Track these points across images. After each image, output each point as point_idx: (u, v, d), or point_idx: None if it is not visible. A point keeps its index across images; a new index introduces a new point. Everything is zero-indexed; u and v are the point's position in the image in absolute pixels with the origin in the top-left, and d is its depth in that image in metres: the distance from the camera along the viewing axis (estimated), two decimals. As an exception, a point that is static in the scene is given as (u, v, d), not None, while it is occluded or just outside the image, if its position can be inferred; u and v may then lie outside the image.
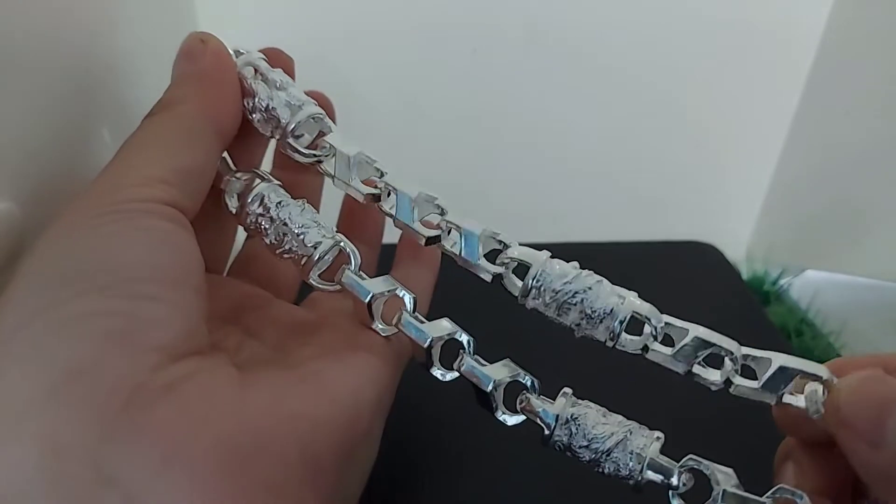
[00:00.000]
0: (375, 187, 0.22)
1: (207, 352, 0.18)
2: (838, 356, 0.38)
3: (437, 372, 0.21)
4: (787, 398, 0.19)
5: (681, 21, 0.43)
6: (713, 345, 0.20)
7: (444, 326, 0.21)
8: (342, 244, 0.21)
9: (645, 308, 0.20)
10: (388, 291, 0.21)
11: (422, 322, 0.21)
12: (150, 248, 0.17)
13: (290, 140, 0.22)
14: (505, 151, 0.47)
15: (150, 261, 0.17)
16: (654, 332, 0.20)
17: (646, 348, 0.20)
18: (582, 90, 0.45)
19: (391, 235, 0.26)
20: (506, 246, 0.21)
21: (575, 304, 0.20)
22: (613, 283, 0.20)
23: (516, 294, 0.20)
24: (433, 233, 0.21)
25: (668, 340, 0.20)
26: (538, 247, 0.41)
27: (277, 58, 0.24)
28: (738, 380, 0.20)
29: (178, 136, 0.20)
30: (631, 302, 0.20)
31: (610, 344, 0.20)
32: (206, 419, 0.16)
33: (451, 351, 0.21)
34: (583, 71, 0.45)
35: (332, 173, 0.22)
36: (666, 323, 0.20)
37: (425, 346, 0.21)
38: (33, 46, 0.20)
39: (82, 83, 0.23)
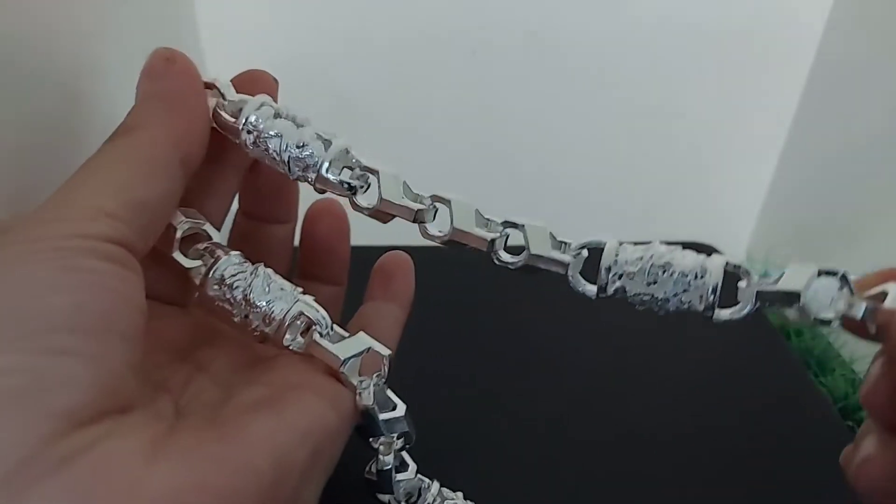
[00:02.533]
0: (421, 203, 0.21)
1: (130, 407, 0.17)
2: (838, 356, 0.38)
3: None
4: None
5: (680, 22, 0.43)
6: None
7: (401, 425, 0.22)
8: (305, 310, 0.21)
9: (735, 261, 0.19)
10: (360, 353, 0.21)
11: (386, 412, 0.22)
12: (74, 292, 0.16)
13: (329, 176, 0.21)
14: (505, 153, 0.47)
15: (69, 307, 0.16)
16: (752, 281, 0.18)
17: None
18: (581, 92, 0.45)
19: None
20: (567, 243, 0.20)
21: (664, 268, 0.18)
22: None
23: (589, 292, 0.19)
24: (492, 235, 0.21)
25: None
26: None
27: (261, 80, 0.23)
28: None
29: (135, 166, 0.19)
30: (719, 259, 0.18)
31: (709, 313, 0.18)
32: (92, 500, 0.14)
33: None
34: (582, 73, 0.45)
35: (377, 196, 0.21)
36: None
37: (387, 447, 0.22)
38: (21, 51, 0.20)
39: (71, 88, 0.23)
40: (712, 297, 0.18)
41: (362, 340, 0.21)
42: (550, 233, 0.20)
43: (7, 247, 0.16)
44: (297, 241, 0.27)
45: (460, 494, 0.24)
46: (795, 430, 0.31)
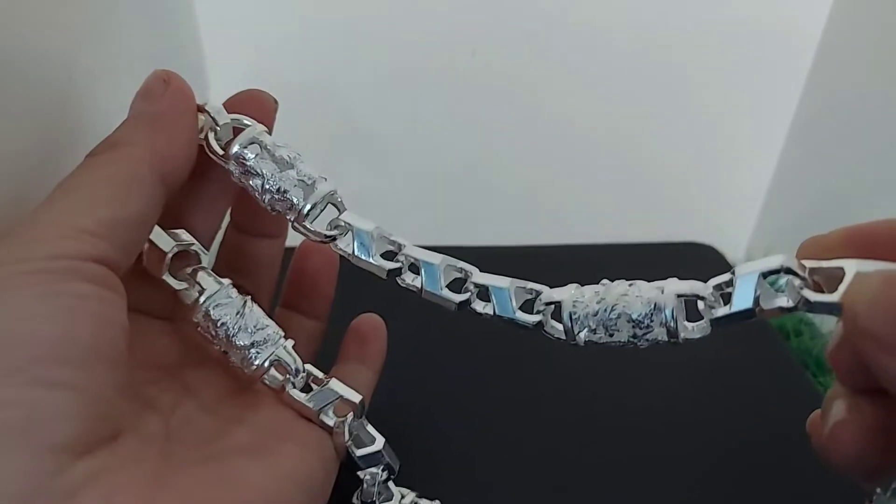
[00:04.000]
0: (395, 260, 0.22)
1: (121, 431, 0.17)
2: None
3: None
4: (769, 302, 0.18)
5: (680, 22, 0.43)
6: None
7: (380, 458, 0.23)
8: (283, 357, 0.22)
9: (686, 287, 0.19)
10: (331, 403, 0.22)
11: (365, 448, 0.23)
12: (59, 320, 0.16)
13: (306, 223, 0.21)
14: (504, 153, 0.47)
15: (55, 337, 0.16)
16: (708, 303, 0.19)
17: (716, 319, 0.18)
18: (581, 92, 0.45)
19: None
20: (538, 293, 0.21)
21: (619, 318, 0.19)
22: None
23: (562, 338, 0.20)
24: (463, 297, 0.21)
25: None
26: (538, 249, 0.41)
27: (258, 101, 0.23)
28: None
29: (115, 183, 0.19)
30: (672, 288, 0.19)
31: (674, 340, 0.19)
32: None
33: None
34: (582, 73, 0.45)
35: (350, 251, 0.21)
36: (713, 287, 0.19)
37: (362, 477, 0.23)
38: (13, 55, 0.20)
39: (67, 92, 0.23)
40: (674, 324, 0.18)
41: (333, 390, 0.23)
42: (518, 288, 0.21)
43: None
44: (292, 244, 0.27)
45: (437, 503, 0.25)
46: (794, 430, 0.31)
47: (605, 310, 0.19)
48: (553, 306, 0.20)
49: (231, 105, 0.22)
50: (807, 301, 0.17)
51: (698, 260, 0.43)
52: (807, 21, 0.43)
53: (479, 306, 0.21)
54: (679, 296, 0.19)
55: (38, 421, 0.15)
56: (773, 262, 0.18)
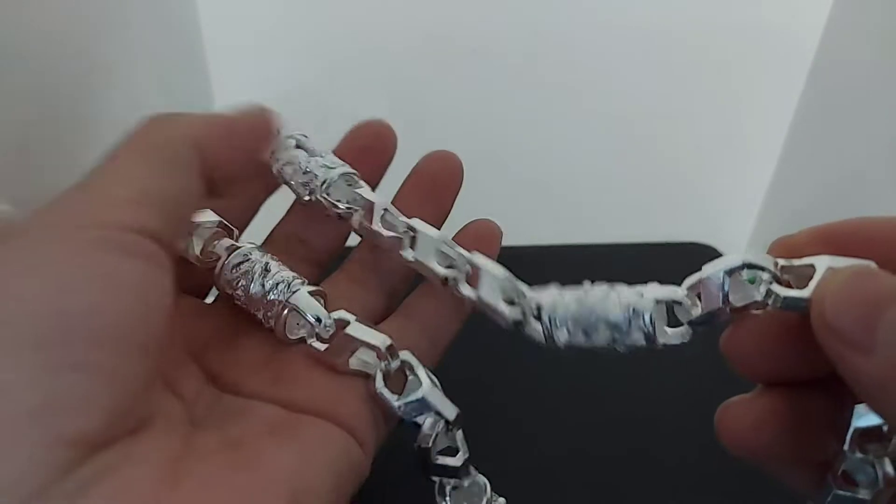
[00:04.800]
0: (396, 231, 0.23)
1: (145, 424, 0.16)
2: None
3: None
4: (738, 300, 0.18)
5: (680, 22, 0.43)
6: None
7: (422, 405, 0.21)
8: (299, 305, 0.21)
9: (664, 291, 0.19)
10: (354, 348, 0.21)
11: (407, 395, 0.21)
12: (97, 294, 0.15)
13: (325, 195, 0.23)
14: (504, 153, 0.47)
15: (86, 311, 0.14)
16: (685, 307, 0.19)
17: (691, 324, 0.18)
18: (581, 92, 0.45)
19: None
20: (522, 294, 0.21)
21: (597, 321, 0.19)
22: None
23: (542, 340, 0.20)
24: (450, 273, 0.22)
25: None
26: (538, 248, 0.41)
27: (375, 133, 0.25)
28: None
29: (156, 158, 0.18)
30: (651, 293, 0.19)
31: (653, 345, 0.19)
32: None
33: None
34: (582, 73, 0.45)
35: (357, 228, 0.24)
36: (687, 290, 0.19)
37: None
38: (30, 47, 0.20)
39: (81, 84, 0.23)
40: (651, 329, 0.19)
41: (351, 336, 0.21)
42: (508, 279, 0.21)
43: (20, 237, 0.15)
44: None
45: (503, 501, 0.22)
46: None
47: (584, 312, 0.19)
48: (534, 307, 0.20)
49: (350, 142, 0.26)
50: (776, 296, 0.17)
51: (698, 260, 0.43)
52: (807, 21, 0.43)
53: (465, 289, 0.21)
54: (657, 301, 0.19)
55: (54, 408, 0.14)
56: (736, 258, 0.18)
